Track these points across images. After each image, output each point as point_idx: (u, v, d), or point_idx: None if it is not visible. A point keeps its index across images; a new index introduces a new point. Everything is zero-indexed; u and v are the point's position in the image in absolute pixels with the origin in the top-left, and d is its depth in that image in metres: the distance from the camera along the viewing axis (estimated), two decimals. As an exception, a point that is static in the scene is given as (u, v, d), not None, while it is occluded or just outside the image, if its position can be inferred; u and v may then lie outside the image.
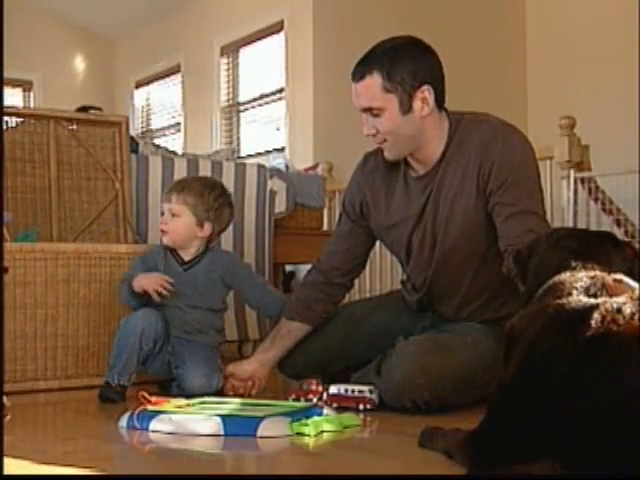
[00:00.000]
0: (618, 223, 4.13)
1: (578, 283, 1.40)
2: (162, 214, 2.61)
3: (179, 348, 2.50)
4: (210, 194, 2.56)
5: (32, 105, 7.60)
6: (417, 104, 2.19)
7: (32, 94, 7.86)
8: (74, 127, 3.25)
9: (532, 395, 1.30)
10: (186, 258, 2.59)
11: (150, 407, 1.97)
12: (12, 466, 1.53)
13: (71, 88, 7.89)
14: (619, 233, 4.11)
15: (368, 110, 2.19)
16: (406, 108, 2.18)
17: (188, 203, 2.53)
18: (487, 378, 2.07)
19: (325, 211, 4.39)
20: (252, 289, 2.65)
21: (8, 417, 2.15)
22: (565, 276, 1.44)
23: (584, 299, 1.35)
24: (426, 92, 2.18)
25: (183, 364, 2.47)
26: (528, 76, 6.60)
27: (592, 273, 1.43)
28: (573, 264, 1.46)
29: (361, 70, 2.19)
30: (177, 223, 2.54)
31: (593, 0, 6.11)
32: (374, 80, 2.17)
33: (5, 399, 2.22)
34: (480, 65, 6.17)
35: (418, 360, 2.10)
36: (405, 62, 2.17)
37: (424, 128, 2.22)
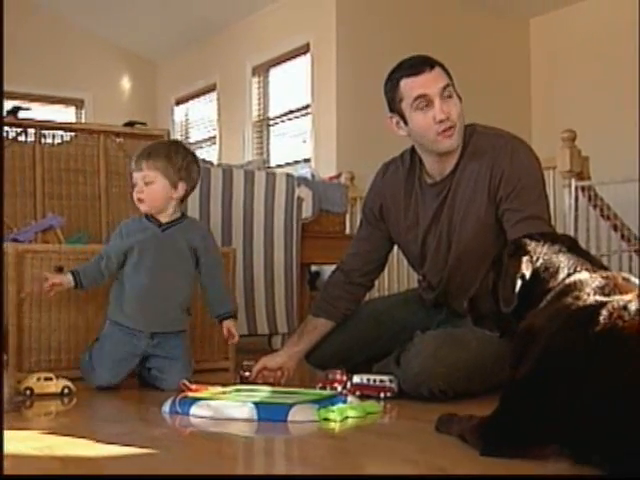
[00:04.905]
0: (615, 228, 4.10)
1: (594, 283, 1.38)
2: (133, 185, 2.45)
3: (155, 349, 2.43)
4: (177, 154, 2.43)
5: (84, 121, 7.65)
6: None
7: (84, 111, 7.91)
8: (121, 140, 3.27)
9: (545, 386, 1.28)
10: (163, 220, 2.46)
11: (190, 394, 1.97)
12: (76, 444, 1.57)
13: (118, 105, 7.94)
14: (616, 237, 4.08)
15: (443, 90, 2.15)
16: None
17: (159, 168, 2.40)
18: (497, 368, 2.05)
19: (347, 216, 4.39)
20: (212, 269, 2.50)
21: (74, 400, 2.20)
22: (580, 276, 1.42)
23: (599, 298, 1.33)
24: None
25: (162, 368, 2.42)
26: (532, 92, 6.57)
27: (605, 273, 1.41)
28: (587, 266, 1.44)
29: (427, 63, 2.18)
30: (152, 189, 2.41)
31: (594, 20, 6.06)
32: (441, 70, 2.19)
33: (70, 384, 2.25)
34: (488, 83, 6.15)
35: (434, 352, 2.09)
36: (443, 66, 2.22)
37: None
